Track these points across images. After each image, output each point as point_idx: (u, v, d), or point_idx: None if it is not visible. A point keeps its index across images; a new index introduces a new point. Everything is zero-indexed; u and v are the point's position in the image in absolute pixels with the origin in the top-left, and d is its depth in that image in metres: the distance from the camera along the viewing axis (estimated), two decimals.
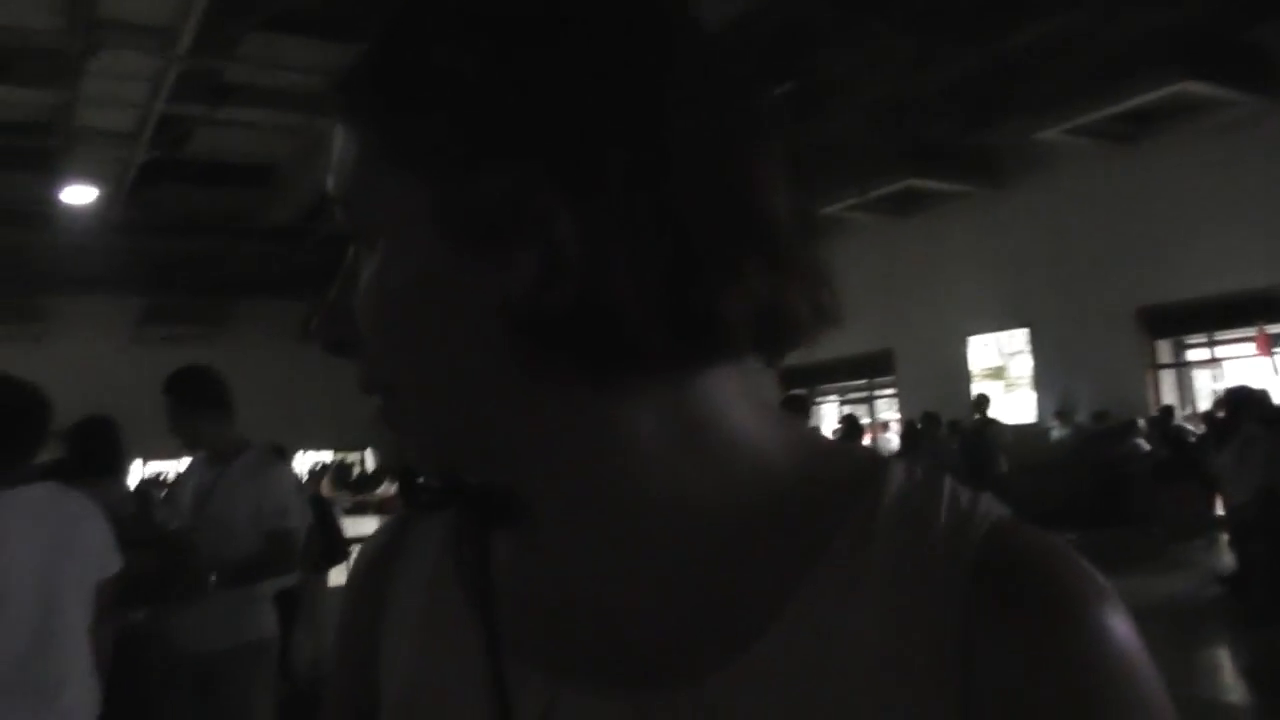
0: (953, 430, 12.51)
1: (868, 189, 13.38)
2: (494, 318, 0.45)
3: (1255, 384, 9.14)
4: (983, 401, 12.69)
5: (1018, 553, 0.45)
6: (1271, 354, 11.78)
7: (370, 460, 25.07)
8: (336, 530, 6.97)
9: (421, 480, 0.68)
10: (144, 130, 11.94)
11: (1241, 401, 7.85)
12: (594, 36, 0.45)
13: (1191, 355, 13.50)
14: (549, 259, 0.44)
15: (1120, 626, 0.43)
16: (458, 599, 0.57)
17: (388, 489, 18.96)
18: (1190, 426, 11.53)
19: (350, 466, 23.13)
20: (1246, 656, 6.72)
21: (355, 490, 18.19)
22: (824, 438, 0.56)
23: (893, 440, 13.04)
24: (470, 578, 0.57)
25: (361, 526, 11.49)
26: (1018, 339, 14.33)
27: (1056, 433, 13.14)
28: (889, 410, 16.51)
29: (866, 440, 13.15)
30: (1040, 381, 14.04)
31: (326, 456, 22.45)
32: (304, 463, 21.44)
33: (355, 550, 9.09)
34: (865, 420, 15.75)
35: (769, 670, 0.45)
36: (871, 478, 0.50)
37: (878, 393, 17.01)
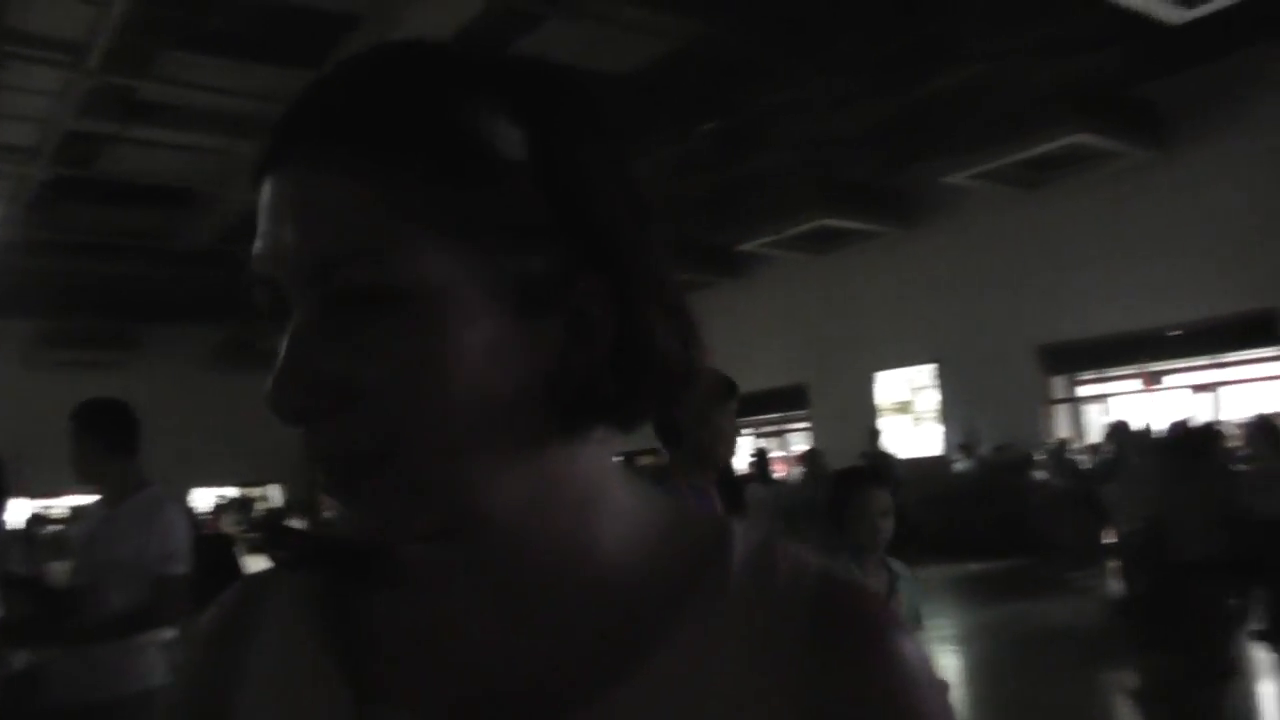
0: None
1: (785, 226, 13.72)
2: (526, 380, 0.50)
3: (1138, 418, 9.66)
4: (874, 436, 13.11)
5: (840, 598, 0.54)
6: (1153, 389, 12.45)
7: (276, 496, 24.36)
8: (237, 570, 6.81)
9: (285, 537, 0.67)
10: (48, 146, 11.60)
11: (1125, 435, 8.28)
12: (611, 138, 0.53)
13: (1083, 391, 14.15)
14: (576, 329, 0.50)
15: (911, 646, 0.54)
16: (318, 661, 0.56)
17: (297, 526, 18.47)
18: (1083, 458, 12.05)
19: (253, 502, 22.46)
20: (1135, 680, 7.05)
21: (259, 528, 17.65)
22: (674, 502, 0.61)
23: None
24: (335, 634, 0.57)
25: (263, 566, 11.00)
26: (925, 374, 14.81)
27: (960, 465, 13.58)
28: (802, 443, 16.82)
29: (778, 472, 13.39)
30: (946, 415, 14.52)
31: (230, 491, 21.74)
32: (206, 498, 20.77)
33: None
34: (778, 453, 16.03)
35: (638, 702, 0.51)
36: (721, 543, 0.56)
37: (791, 426, 17.33)
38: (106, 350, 21.85)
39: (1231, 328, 11.56)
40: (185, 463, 21.44)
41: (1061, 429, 13.60)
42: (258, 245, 0.50)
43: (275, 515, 19.73)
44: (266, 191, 0.50)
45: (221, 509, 17.04)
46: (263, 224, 0.50)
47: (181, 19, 9.16)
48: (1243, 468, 7.18)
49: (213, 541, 7.04)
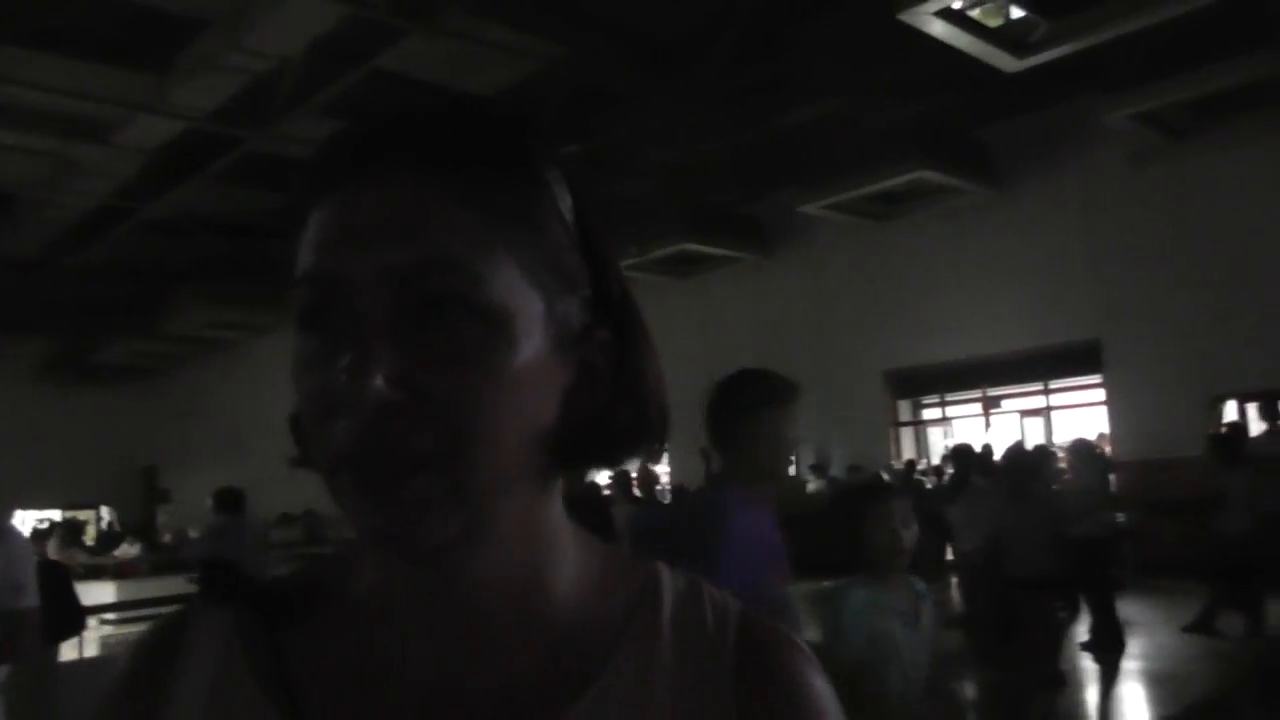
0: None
1: (647, 250, 13.91)
2: (549, 413, 0.55)
3: (978, 441, 10.21)
4: (705, 456, 13.38)
5: (762, 636, 0.61)
6: (989, 414, 13.20)
7: (105, 519, 22.86)
8: (72, 598, 6.33)
9: (219, 576, 0.66)
10: None
11: (966, 457, 8.71)
12: (590, 210, 0.60)
13: (927, 414, 14.86)
14: (584, 373, 0.57)
15: (820, 678, 0.61)
16: (253, 693, 0.57)
17: (128, 550, 17.33)
18: (927, 479, 12.62)
19: (82, 525, 21.07)
20: (974, 692, 7.40)
21: (90, 552, 16.46)
22: (607, 547, 0.65)
23: (666, 495, 13.39)
24: (266, 670, 0.58)
25: (97, 594, 10.26)
26: None
27: (812, 486, 14.00)
28: (661, 466, 16.97)
29: (638, 491, 13.48)
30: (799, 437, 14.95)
31: (54, 514, 20.25)
32: (26, 521, 19.29)
33: (91, 622, 8.24)
34: (634, 475, 16.10)
35: None
36: (653, 584, 0.62)
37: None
38: None
39: (1060, 356, 12.40)
40: (3, 482, 19.91)
41: (907, 450, 14.22)
42: (333, 246, 0.52)
43: (110, 537, 18.42)
44: (353, 197, 0.53)
45: (42, 534, 15.69)
46: (340, 228, 0.52)
47: (18, 14, 8.58)
48: (1061, 490, 7.66)
49: (43, 569, 6.50)
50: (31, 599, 2.76)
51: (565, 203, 0.57)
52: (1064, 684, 6.81)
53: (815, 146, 11.82)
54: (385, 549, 0.55)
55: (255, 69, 9.52)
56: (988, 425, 13.20)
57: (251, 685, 0.57)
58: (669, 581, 0.62)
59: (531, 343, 0.53)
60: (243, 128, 10.78)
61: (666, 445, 0.63)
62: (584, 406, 0.56)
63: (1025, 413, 13.55)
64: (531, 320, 0.53)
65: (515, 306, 0.52)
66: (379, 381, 0.49)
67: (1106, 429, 12.06)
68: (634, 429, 0.59)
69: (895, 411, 14.51)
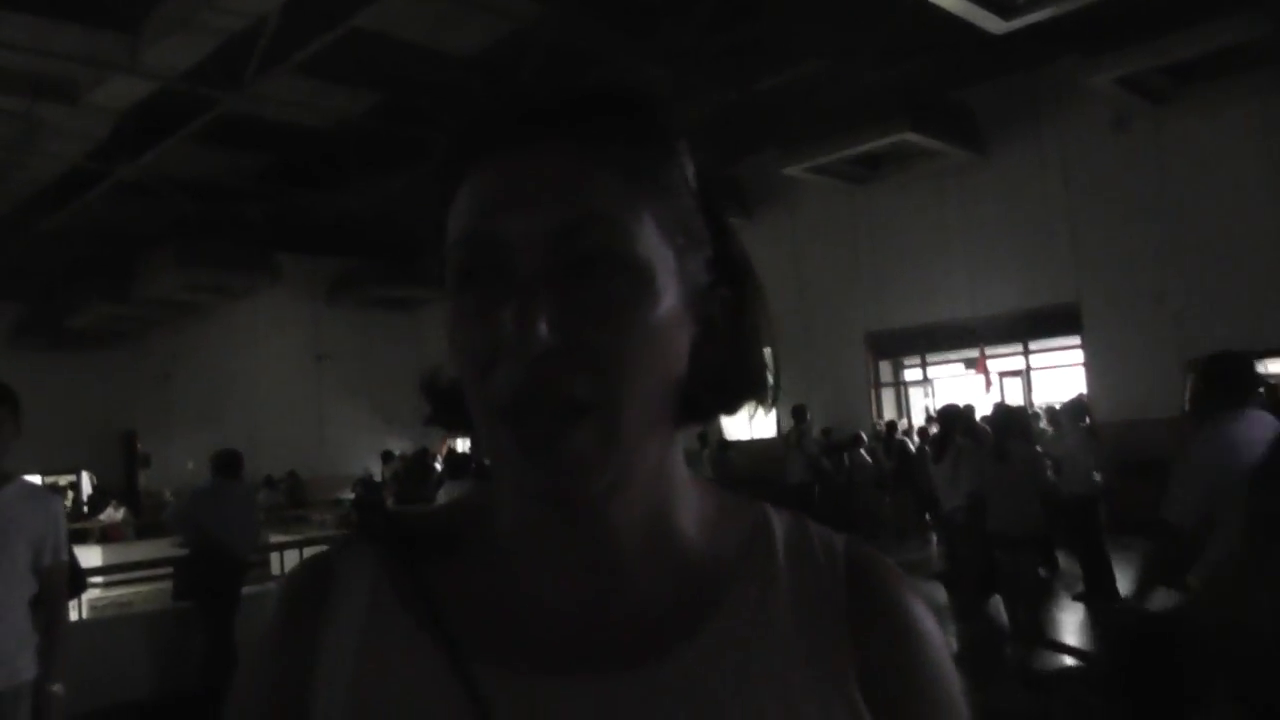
0: (702, 444, 13.31)
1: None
2: (681, 364, 0.59)
3: (961, 401, 10.28)
4: (710, 432, 13.65)
5: (869, 562, 0.66)
6: (988, 373, 13.30)
7: (86, 484, 22.71)
8: (74, 561, 6.33)
9: (372, 513, 0.68)
10: None
11: (951, 418, 8.78)
12: (710, 177, 0.64)
13: (908, 375, 14.96)
14: (706, 327, 0.60)
15: (920, 597, 0.66)
16: (406, 623, 0.61)
17: (113, 515, 17.25)
18: (908, 439, 12.74)
19: (64, 491, 20.95)
20: (954, 648, 7.54)
21: (74, 517, 16.38)
22: (720, 488, 0.70)
23: None
24: (418, 601, 0.61)
25: (83, 558, 10.20)
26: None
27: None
28: None
29: None
30: (781, 399, 15.01)
31: (34, 480, 20.06)
32: None
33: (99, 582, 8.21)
34: None
35: (709, 651, 0.60)
36: (763, 518, 0.67)
37: None
38: None
39: (1041, 318, 12.50)
40: None
41: (888, 411, 14.34)
42: (495, 208, 0.56)
43: (95, 502, 18.36)
44: (511, 163, 0.57)
45: None
46: (502, 193, 0.56)
47: None
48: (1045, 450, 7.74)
49: None
50: (66, 554, 3.02)
51: (690, 170, 0.62)
52: (1044, 637, 6.95)
53: (797, 108, 11.77)
54: (545, 505, 0.58)
55: (230, 27, 9.32)
56: (972, 387, 13.29)
57: (403, 614, 0.61)
58: (777, 517, 0.68)
59: (669, 297, 0.57)
60: (218, 88, 10.59)
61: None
62: (707, 359, 0.60)
63: (1005, 374, 13.67)
64: (668, 275, 0.57)
65: (656, 262, 0.56)
66: (542, 329, 0.52)
67: (1084, 390, 12.20)
68: (750, 381, 0.64)
69: (877, 373, 14.60)
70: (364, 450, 17.63)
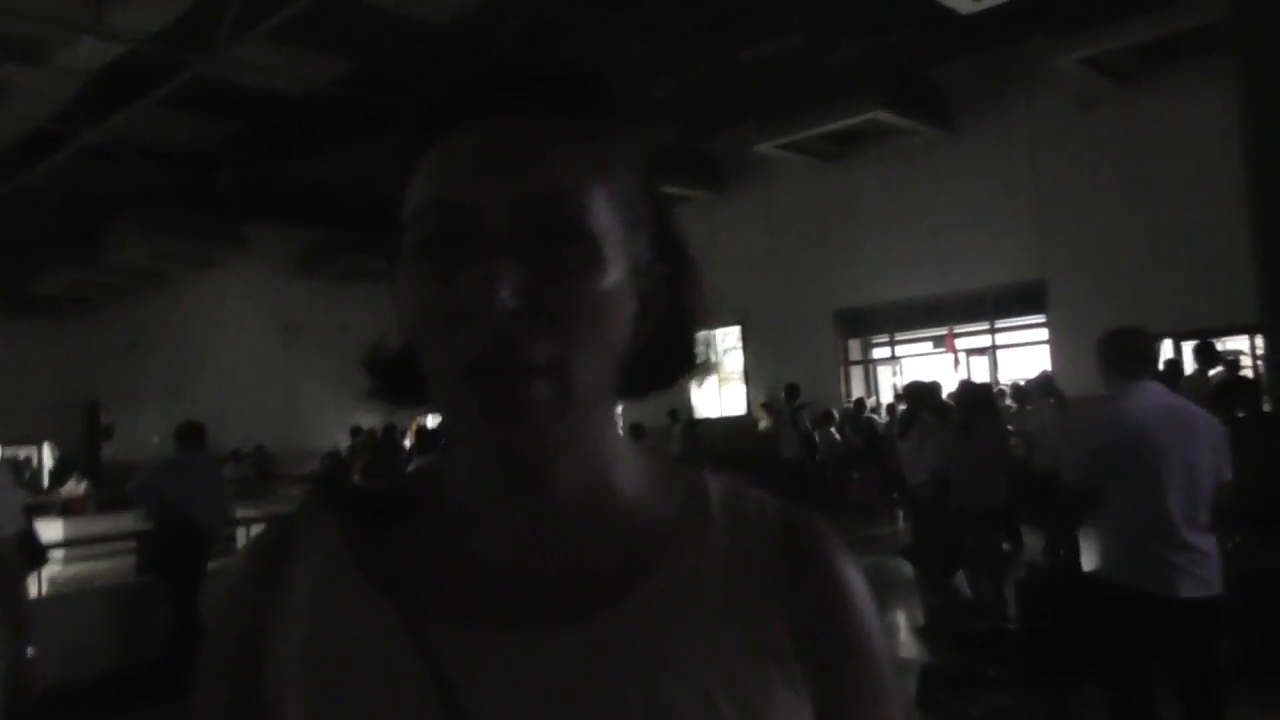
0: (672, 420, 13.40)
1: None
2: (628, 332, 0.62)
3: (927, 379, 10.42)
4: (680, 409, 13.82)
5: (801, 522, 0.69)
6: (956, 351, 13.46)
7: (47, 456, 22.35)
8: (31, 535, 6.26)
9: (330, 482, 0.73)
10: None
11: (918, 394, 8.89)
12: (654, 159, 0.68)
13: (876, 354, 15.11)
14: (644, 303, 0.63)
15: (850, 556, 0.70)
16: (361, 584, 0.64)
17: (74, 488, 17.01)
18: (877, 417, 12.89)
19: (25, 463, 20.66)
20: (918, 618, 7.67)
21: (35, 490, 16.16)
22: (658, 452, 0.75)
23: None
24: (374, 563, 0.65)
25: (45, 531, 10.05)
26: (731, 336, 15.36)
27: (764, 424, 14.23)
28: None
29: None
30: (750, 376, 15.14)
31: None
32: None
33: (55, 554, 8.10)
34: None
35: (646, 608, 0.63)
36: (700, 482, 0.71)
37: None
38: None
39: (1007, 296, 12.66)
40: None
41: (856, 389, 14.49)
42: (459, 177, 0.59)
43: (57, 474, 18.12)
44: (474, 136, 0.60)
45: None
46: (468, 161, 0.59)
47: None
48: (1013, 426, 7.86)
49: None
50: (10, 526, 2.87)
51: (638, 149, 0.65)
52: (1007, 610, 7.09)
53: (770, 84, 11.80)
54: (501, 454, 0.60)
55: None
56: (940, 364, 13.45)
57: (358, 578, 0.65)
58: (714, 481, 0.71)
59: (616, 268, 0.60)
60: (188, 52, 10.42)
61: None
62: (643, 334, 0.63)
63: (971, 351, 13.85)
64: (616, 249, 0.60)
65: (607, 235, 0.59)
66: (506, 292, 0.55)
67: (1049, 367, 12.39)
68: (682, 358, 0.68)
69: (846, 350, 14.74)
70: (333, 425, 17.51)
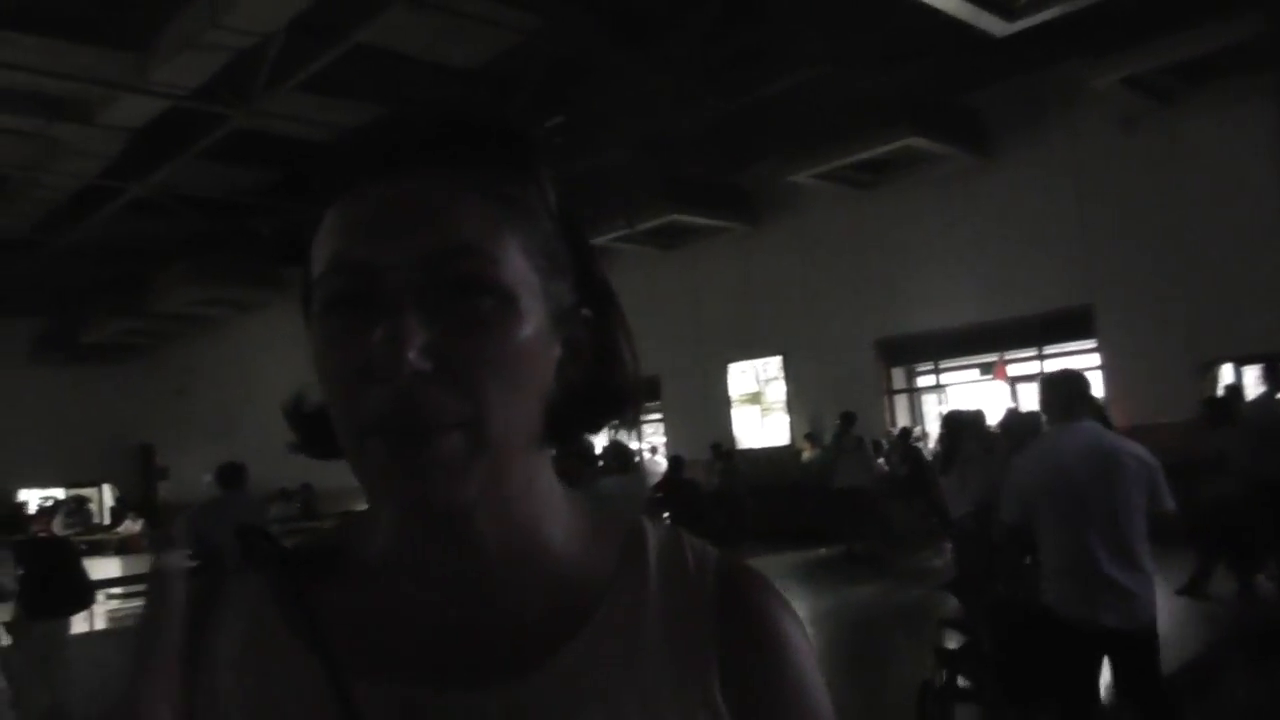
0: (715, 455, 13.33)
1: (634, 222, 13.84)
2: (546, 384, 0.62)
3: (973, 407, 10.21)
4: (723, 440, 13.74)
5: (739, 575, 0.68)
6: (1008, 378, 13.20)
7: (108, 496, 22.92)
8: (81, 573, 6.40)
9: (255, 540, 0.68)
10: None
11: (959, 424, 8.72)
12: (571, 203, 0.66)
13: (921, 382, 14.88)
14: (570, 349, 0.63)
15: (789, 608, 0.69)
16: (288, 641, 0.62)
17: (130, 527, 17.39)
18: (923, 446, 12.66)
19: (86, 502, 21.15)
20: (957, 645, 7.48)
21: (92, 530, 16.53)
22: (592, 503, 0.72)
23: (661, 464, 13.46)
24: (300, 621, 0.62)
25: (102, 569, 10.36)
26: (773, 366, 15.25)
27: (807, 455, 14.06)
28: (655, 435, 17.02)
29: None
30: (792, 406, 14.99)
31: (57, 492, 20.29)
32: (32, 499, 19.32)
33: (98, 596, 8.29)
34: (634, 445, 16.17)
35: (580, 662, 0.62)
36: (638, 531, 0.70)
37: (645, 418, 17.50)
38: None
39: (1053, 322, 12.40)
40: (3, 465, 19.97)
41: (901, 418, 14.26)
42: (364, 234, 0.57)
43: (114, 514, 18.52)
44: (379, 191, 0.58)
45: (47, 511, 15.73)
46: (373, 218, 0.58)
47: None
48: None
49: (51, 545, 6.60)
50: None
51: (553, 197, 0.64)
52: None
53: (800, 115, 11.75)
54: (413, 511, 0.59)
55: (237, 45, 9.41)
56: (986, 393, 13.19)
57: (285, 633, 0.63)
58: (652, 531, 0.70)
59: (534, 318, 0.59)
60: (225, 105, 10.69)
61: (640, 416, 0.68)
62: (570, 378, 0.63)
63: (1018, 379, 13.56)
64: (532, 298, 0.59)
65: (521, 286, 0.59)
66: (413, 353, 0.54)
67: (1101, 394, 12.08)
68: (614, 399, 0.67)
69: (889, 380, 14.52)
70: None
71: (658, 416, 16.90)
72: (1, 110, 10.88)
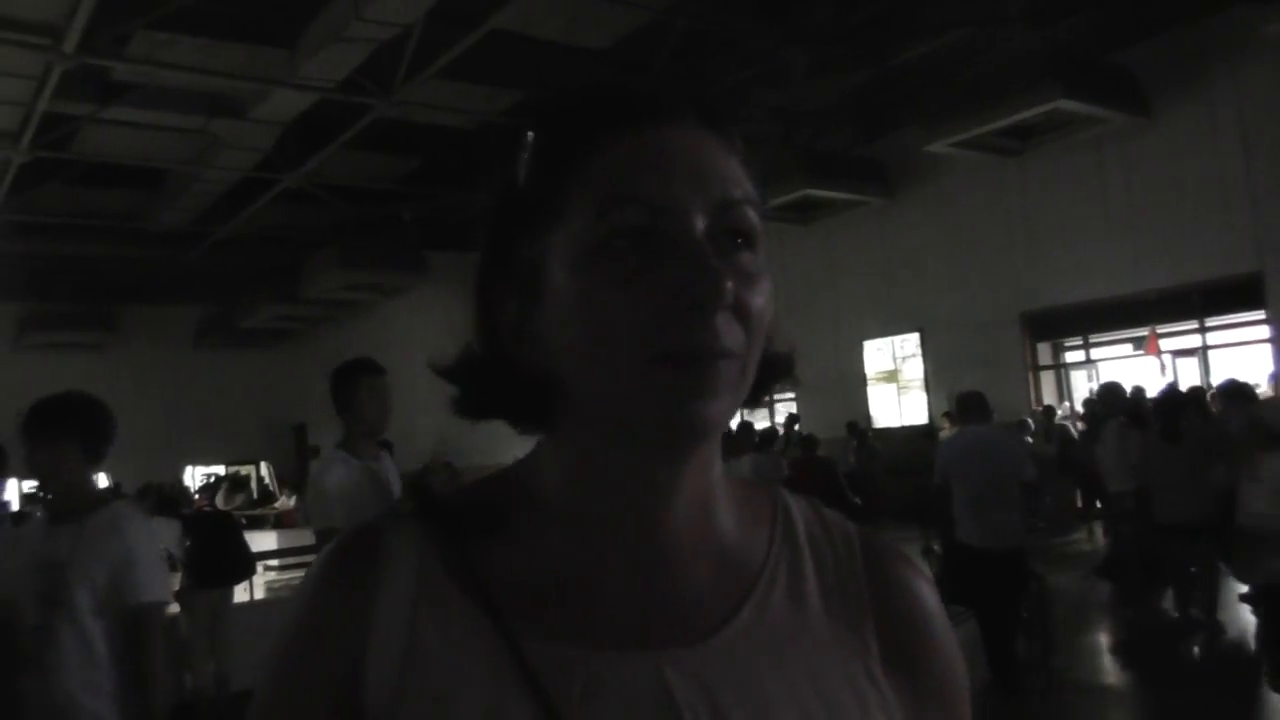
0: (850, 434, 13.12)
1: (767, 197, 13.65)
2: None
3: (1127, 382, 9.70)
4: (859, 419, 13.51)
5: (884, 551, 0.73)
6: (1160, 353, 12.48)
7: (266, 473, 24.30)
8: (242, 545, 6.79)
9: (425, 493, 0.70)
10: (27, 130, 11.42)
11: (1110, 397, 8.32)
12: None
13: (1069, 357, 14.22)
14: None
15: (926, 577, 0.74)
16: (456, 597, 0.63)
17: (286, 502, 18.39)
18: (1070, 425, 12.13)
19: (246, 479, 22.48)
20: (1117, 635, 7.15)
21: (251, 505, 17.57)
22: (736, 478, 0.74)
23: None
24: (466, 576, 0.64)
25: (260, 542, 10.99)
26: (910, 343, 14.86)
27: (945, 433, 13.65)
28: (785, 411, 16.81)
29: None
30: (931, 384, 14.58)
31: (218, 469, 21.67)
32: (194, 477, 20.72)
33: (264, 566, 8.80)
34: (764, 425, 16.04)
35: (749, 634, 0.65)
36: (784, 503, 0.74)
37: (778, 396, 17.34)
38: (87, 332, 21.69)
39: (1217, 291, 11.63)
40: (170, 443, 21.46)
41: (1047, 395, 13.69)
42: (660, 175, 0.60)
43: (269, 490, 19.64)
44: (659, 139, 0.62)
45: (209, 487, 16.88)
46: (666, 162, 0.61)
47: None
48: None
49: (214, 519, 7.05)
50: (151, 594, 2.49)
51: (756, 173, 0.68)
52: (1222, 633, 6.50)
53: (939, 81, 11.32)
54: (689, 428, 0.60)
55: (378, 37, 9.73)
56: (1141, 368, 12.49)
57: (452, 588, 0.64)
58: (795, 503, 0.74)
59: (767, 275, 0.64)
60: (369, 96, 11.08)
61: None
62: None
63: (1178, 353, 12.79)
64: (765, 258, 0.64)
65: (763, 244, 0.64)
66: (730, 284, 0.58)
67: (1272, 369, 11.25)
68: (777, 366, 0.70)
69: (1034, 355, 13.93)
70: (515, 439, 18.09)
71: (790, 395, 16.71)
72: (166, 108, 11.56)
